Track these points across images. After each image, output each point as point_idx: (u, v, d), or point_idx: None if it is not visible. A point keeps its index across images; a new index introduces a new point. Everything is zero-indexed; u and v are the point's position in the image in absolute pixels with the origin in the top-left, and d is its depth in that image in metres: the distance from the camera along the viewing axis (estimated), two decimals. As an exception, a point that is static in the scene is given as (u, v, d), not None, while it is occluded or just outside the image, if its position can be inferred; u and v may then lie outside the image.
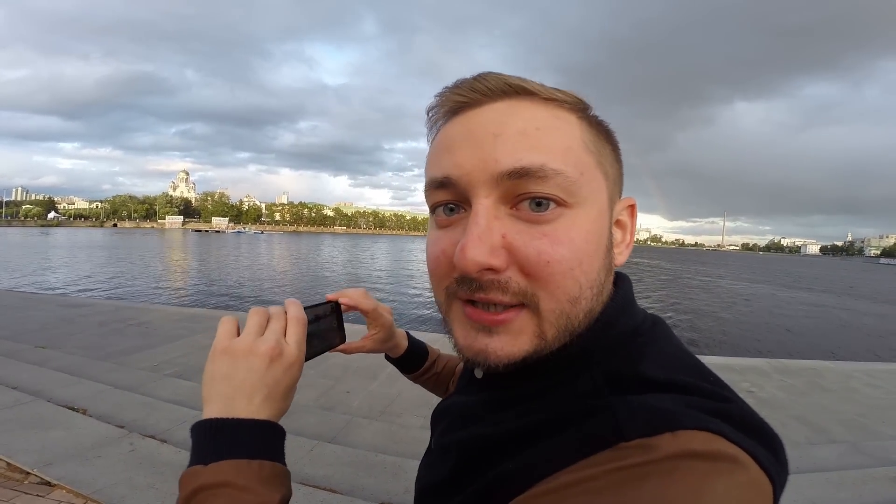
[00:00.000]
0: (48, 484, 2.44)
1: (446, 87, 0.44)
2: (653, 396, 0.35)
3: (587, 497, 0.30)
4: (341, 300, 0.69)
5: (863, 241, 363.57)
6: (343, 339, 0.68)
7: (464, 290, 0.40)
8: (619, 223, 0.47)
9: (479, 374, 0.52)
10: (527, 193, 0.39)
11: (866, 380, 5.70)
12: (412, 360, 0.85)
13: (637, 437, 0.31)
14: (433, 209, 0.45)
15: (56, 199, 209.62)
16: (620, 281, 0.48)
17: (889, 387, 5.44)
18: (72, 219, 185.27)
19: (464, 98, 0.42)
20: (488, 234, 0.38)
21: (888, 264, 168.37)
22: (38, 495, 2.32)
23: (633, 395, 0.36)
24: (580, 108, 0.43)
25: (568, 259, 0.38)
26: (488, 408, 0.47)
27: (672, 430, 0.31)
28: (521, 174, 0.38)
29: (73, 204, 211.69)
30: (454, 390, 0.65)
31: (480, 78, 0.42)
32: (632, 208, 0.48)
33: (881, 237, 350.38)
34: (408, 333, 0.85)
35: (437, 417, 0.60)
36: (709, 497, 0.27)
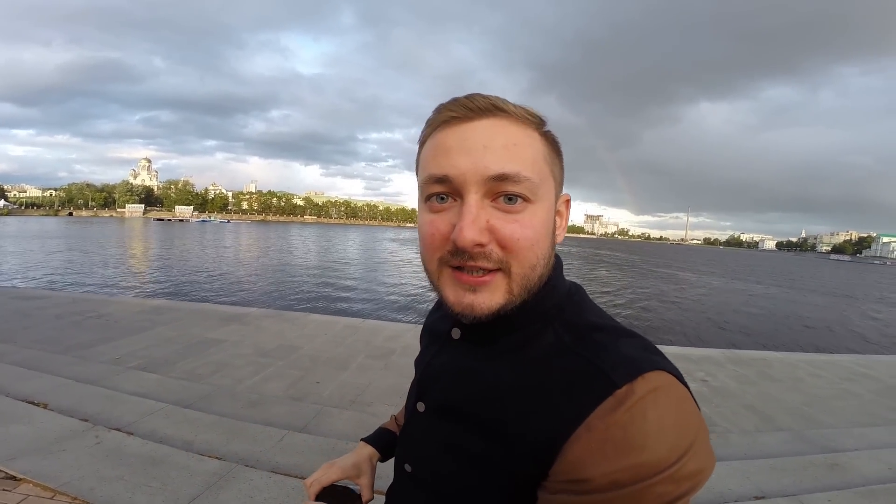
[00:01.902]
0: (13, 478, 2.39)
1: (442, 104, 0.55)
2: (612, 345, 0.52)
3: (621, 431, 0.44)
4: (328, 484, 0.80)
5: (815, 238, 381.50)
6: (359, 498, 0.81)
7: (457, 259, 0.52)
8: (558, 213, 0.60)
9: (456, 334, 0.64)
10: (504, 192, 0.51)
11: (810, 370, 6.02)
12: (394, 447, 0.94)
13: (623, 384, 0.46)
14: (427, 198, 0.55)
15: (6, 188, 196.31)
16: (555, 258, 0.62)
17: (830, 377, 5.76)
18: (23, 207, 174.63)
19: (457, 113, 0.53)
20: (478, 219, 0.51)
21: (837, 260, 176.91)
22: (4, 490, 2.29)
23: (590, 341, 0.53)
24: (541, 126, 0.56)
25: (530, 238, 0.52)
26: (479, 361, 0.59)
27: (641, 373, 0.47)
28: (503, 178, 0.51)
29: (25, 192, 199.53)
30: (428, 355, 0.71)
31: (471, 97, 0.54)
32: (567, 202, 0.62)
33: (832, 234, 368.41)
34: (366, 440, 0.93)
35: (429, 380, 0.68)
36: (675, 409, 0.46)
